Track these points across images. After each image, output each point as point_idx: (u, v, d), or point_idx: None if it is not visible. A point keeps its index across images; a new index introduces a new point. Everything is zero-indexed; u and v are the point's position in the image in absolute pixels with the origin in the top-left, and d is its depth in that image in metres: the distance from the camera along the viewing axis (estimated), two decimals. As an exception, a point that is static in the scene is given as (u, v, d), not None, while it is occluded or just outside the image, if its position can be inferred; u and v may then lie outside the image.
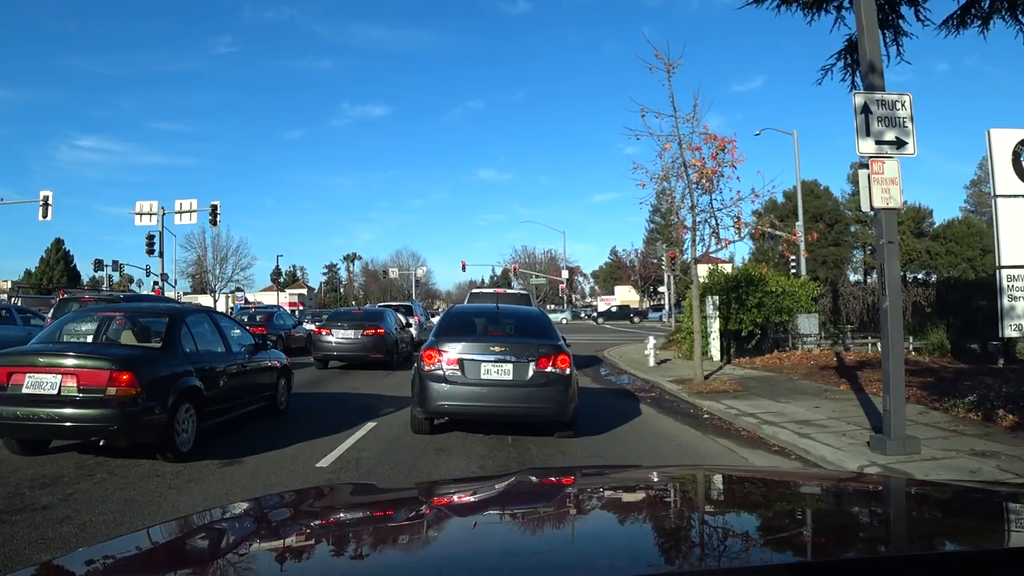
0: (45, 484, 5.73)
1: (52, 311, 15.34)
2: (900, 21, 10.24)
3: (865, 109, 7.12)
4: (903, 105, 7.21)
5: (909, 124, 7.20)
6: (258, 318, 22.86)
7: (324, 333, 17.21)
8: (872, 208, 7.13)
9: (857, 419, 9.07)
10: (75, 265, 69.91)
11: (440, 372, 7.73)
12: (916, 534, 1.71)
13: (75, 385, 5.94)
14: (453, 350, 7.79)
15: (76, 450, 6.81)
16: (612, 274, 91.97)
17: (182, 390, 6.61)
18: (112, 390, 5.93)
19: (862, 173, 7.19)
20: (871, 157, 7.07)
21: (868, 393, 11.22)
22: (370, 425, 8.78)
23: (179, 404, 6.53)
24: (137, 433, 6.17)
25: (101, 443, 6.23)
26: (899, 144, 7.14)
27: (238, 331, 8.87)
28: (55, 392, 5.95)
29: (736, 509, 1.98)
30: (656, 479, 2.44)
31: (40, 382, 5.98)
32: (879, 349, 18.01)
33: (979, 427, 8.21)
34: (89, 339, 7.11)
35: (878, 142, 7.11)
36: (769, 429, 8.66)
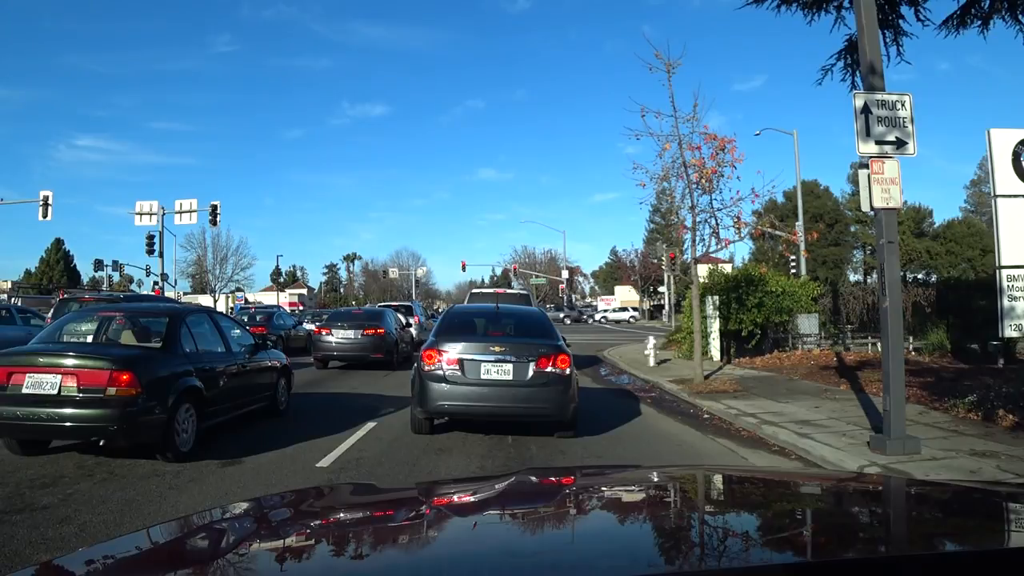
0: (45, 484, 5.73)
1: (52, 311, 15.34)
2: (900, 21, 10.26)
3: (865, 110, 7.12)
4: (903, 105, 7.21)
5: (909, 124, 7.20)
6: (258, 318, 22.86)
7: (324, 333, 17.21)
8: (872, 208, 7.13)
9: (857, 419, 9.07)
10: (75, 265, 69.96)
11: (440, 372, 7.73)
12: (916, 534, 1.70)
13: (75, 385, 5.93)
14: (453, 350, 7.79)
15: (76, 450, 6.81)
16: (612, 274, 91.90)
17: (182, 390, 6.61)
18: (112, 390, 5.92)
19: (862, 173, 7.19)
20: (871, 157, 7.07)
21: (868, 393, 11.22)
22: (370, 425, 8.78)
23: (179, 404, 6.52)
24: (137, 433, 6.16)
25: (101, 443, 6.22)
26: (899, 144, 7.14)
27: (238, 331, 8.87)
28: (55, 392, 5.94)
29: (736, 509, 1.98)
30: (656, 479, 2.44)
31: (40, 382, 5.97)
32: (879, 349, 18.01)
33: (979, 427, 8.21)
34: (89, 339, 7.11)
35: (878, 142, 7.12)
36: (769, 429, 8.66)
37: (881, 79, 7.31)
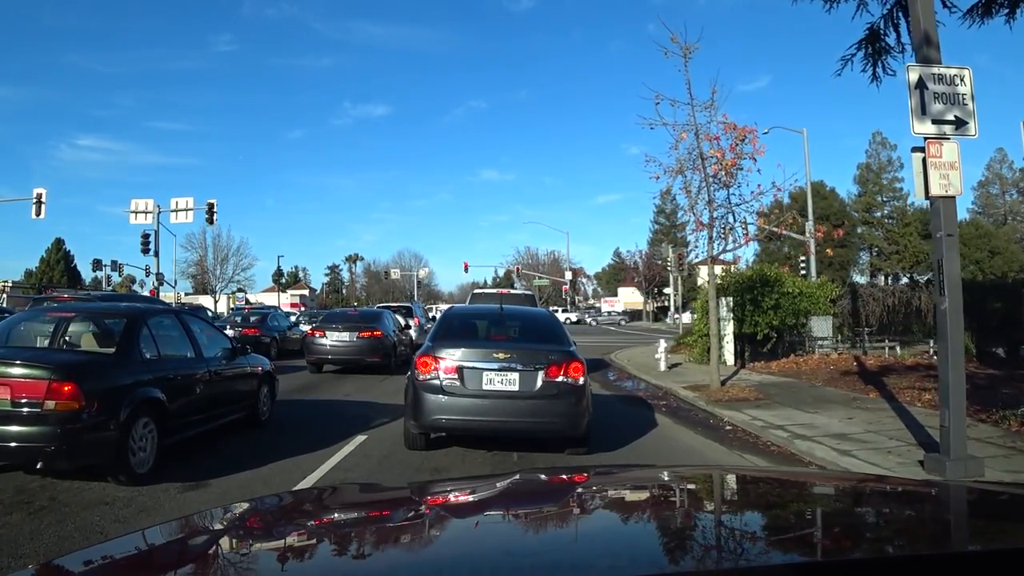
0: (-29, 515, 4.88)
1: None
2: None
3: (920, 84, 6.27)
4: (963, 81, 6.36)
5: (970, 102, 6.35)
6: (251, 319, 22.00)
7: (318, 335, 16.27)
8: (928, 196, 6.27)
9: (898, 433, 8.21)
10: (75, 265, 69.19)
11: (437, 382, 6.85)
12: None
13: (8, 398, 5.05)
14: (451, 357, 6.91)
15: (21, 471, 5.94)
16: (615, 276, 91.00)
17: (139, 402, 5.73)
18: (51, 403, 5.05)
19: (916, 157, 6.34)
20: (928, 139, 6.22)
21: (901, 402, 10.37)
22: (360, 439, 7.91)
23: (135, 419, 5.65)
24: (82, 454, 5.28)
25: (39, 466, 5.33)
26: (959, 124, 6.29)
27: (213, 334, 8.00)
28: (-15, 406, 5.08)
29: (741, 508, 1.93)
30: (660, 478, 2.39)
31: (-32, 394, 5.11)
32: (899, 353, 17.18)
33: (1040, 443, 7.34)
34: (38, 344, 6.25)
35: (935, 121, 6.26)
36: (803, 444, 7.79)
37: (937, 51, 6.45)
